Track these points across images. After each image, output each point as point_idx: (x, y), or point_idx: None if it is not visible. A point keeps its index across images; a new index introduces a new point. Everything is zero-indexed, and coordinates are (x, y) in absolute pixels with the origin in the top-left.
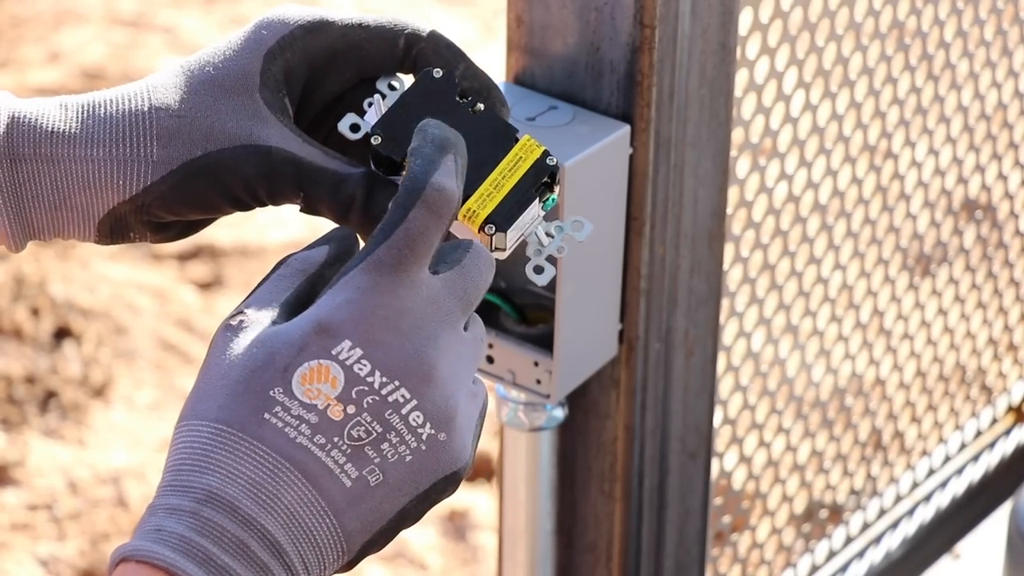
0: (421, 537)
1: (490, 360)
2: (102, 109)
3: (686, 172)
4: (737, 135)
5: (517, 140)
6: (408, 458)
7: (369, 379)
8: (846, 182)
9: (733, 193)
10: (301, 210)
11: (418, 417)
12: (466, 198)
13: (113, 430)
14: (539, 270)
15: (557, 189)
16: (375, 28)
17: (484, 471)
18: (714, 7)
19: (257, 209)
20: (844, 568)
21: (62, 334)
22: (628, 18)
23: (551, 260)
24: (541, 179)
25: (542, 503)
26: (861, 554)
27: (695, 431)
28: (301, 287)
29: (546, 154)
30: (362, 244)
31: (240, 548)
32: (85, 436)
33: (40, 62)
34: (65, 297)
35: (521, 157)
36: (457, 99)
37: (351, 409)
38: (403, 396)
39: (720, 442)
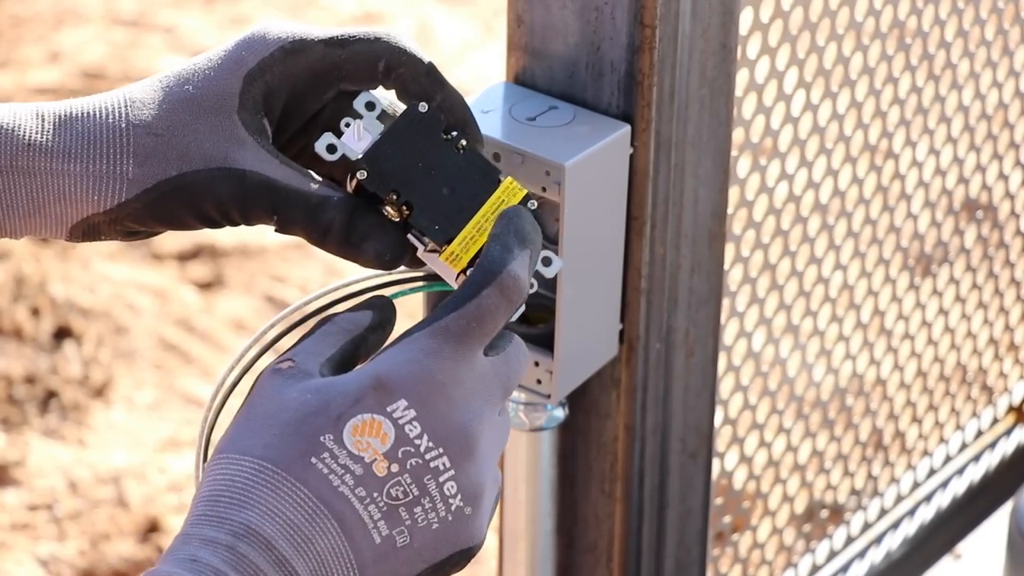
0: None
1: None
2: (79, 123)
3: (686, 172)
4: (737, 135)
5: (500, 182)
6: (435, 526)
7: (417, 442)
8: (847, 182)
9: (733, 193)
10: (276, 230)
11: (452, 487)
12: (449, 240)
13: (113, 430)
14: None
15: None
16: (355, 46)
17: None
18: (714, 7)
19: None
20: (845, 568)
21: (62, 334)
22: (628, 18)
23: None
24: None
25: (542, 503)
26: (862, 554)
27: (695, 431)
28: (346, 347)
29: (528, 197)
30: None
31: None
32: (85, 436)
33: (40, 62)
34: (65, 297)
35: (503, 200)
36: (443, 136)
37: (395, 468)
38: (444, 464)
39: (720, 442)
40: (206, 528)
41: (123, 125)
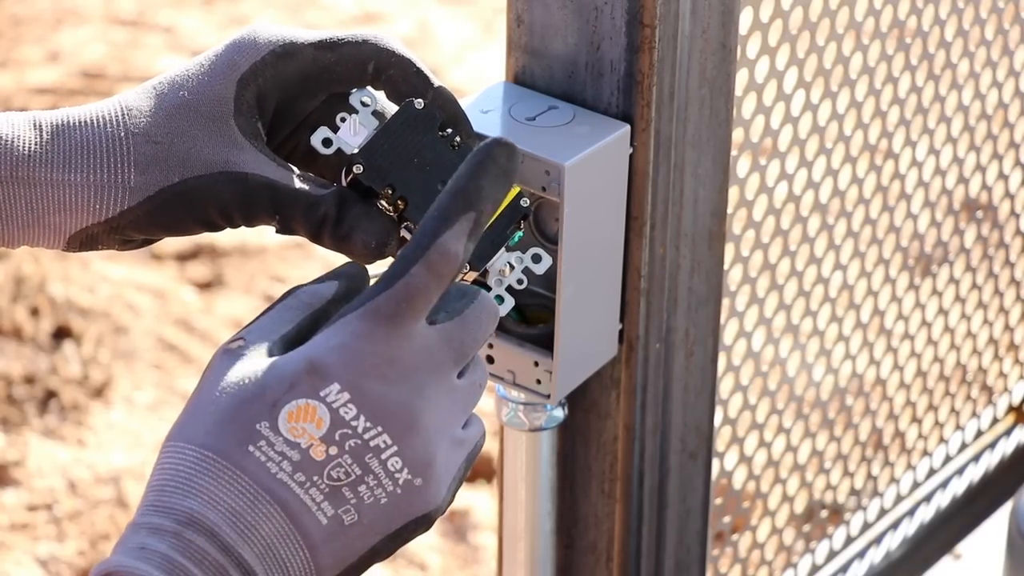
0: (421, 537)
1: (490, 360)
2: (77, 132)
3: (686, 172)
4: (737, 135)
5: None
6: (383, 500)
7: (354, 423)
8: (846, 182)
9: (733, 193)
10: (277, 231)
11: (396, 462)
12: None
13: (113, 430)
14: (499, 300)
15: (524, 225)
16: (344, 49)
17: (484, 471)
18: (714, 6)
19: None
20: (845, 568)
21: (62, 334)
22: (628, 18)
23: (511, 290)
24: (515, 220)
25: (542, 503)
26: (862, 554)
27: (695, 431)
28: (304, 321)
29: (520, 195)
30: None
31: (219, 571)
32: (85, 436)
33: (40, 62)
34: (65, 297)
35: None
36: (438, 133)
37: (333, 450)
38: (384, 442)
39: (720, 442)
40: (153, 516)
41: (122, 134)
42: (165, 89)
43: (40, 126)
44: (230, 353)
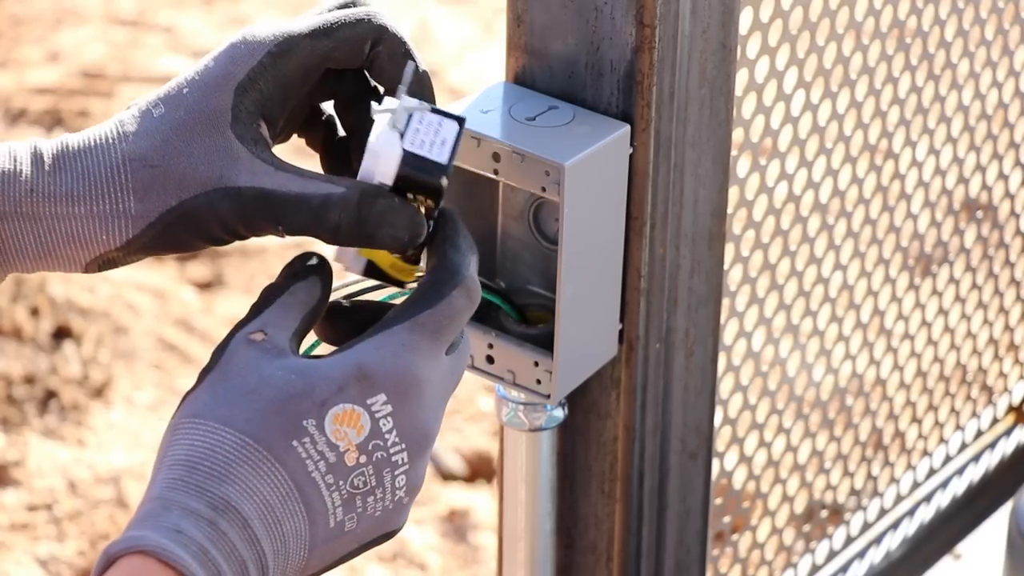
0: (421, 537)
1: (490, 360)
2: (78, 161)
3: (686, 172)
4: (737, 135)
5: None
6: (378, 513)
7: (387, 436)
8: (846, 182)
9: (733, 193)
10: (288, 235)
11: (401, 480)
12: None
13: (113, 430)
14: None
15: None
16: (340, 34)
17: (484, 471)
18: (714, 6)
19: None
20: (845, 568)
21: (62, 334)
22: (628, 18)
23: None
24: None
25: (542, 503)
26: (862, 554)
27: (695, 431)
28: (305, 319)
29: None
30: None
31: (241, 568)
32: (85, 436)
33: (40, 62)
34: (65, 297)
35: None
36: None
37: (363, 459)
38: (403, 460)
39: (720, 442)
40: (185, 496)
41: (119, 160)
42: (162, 110)
43: (40, 156)
44: (255, 345)
